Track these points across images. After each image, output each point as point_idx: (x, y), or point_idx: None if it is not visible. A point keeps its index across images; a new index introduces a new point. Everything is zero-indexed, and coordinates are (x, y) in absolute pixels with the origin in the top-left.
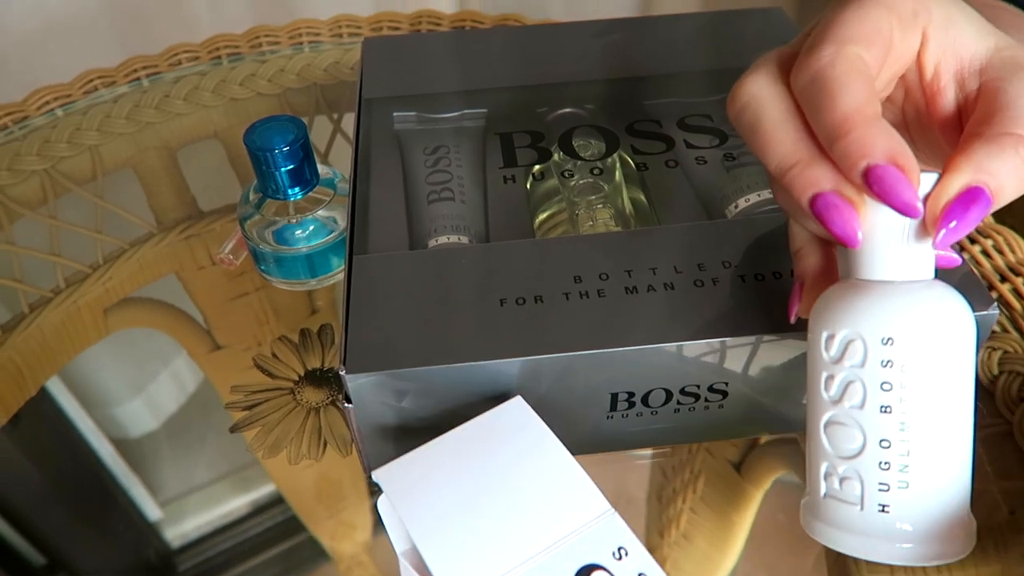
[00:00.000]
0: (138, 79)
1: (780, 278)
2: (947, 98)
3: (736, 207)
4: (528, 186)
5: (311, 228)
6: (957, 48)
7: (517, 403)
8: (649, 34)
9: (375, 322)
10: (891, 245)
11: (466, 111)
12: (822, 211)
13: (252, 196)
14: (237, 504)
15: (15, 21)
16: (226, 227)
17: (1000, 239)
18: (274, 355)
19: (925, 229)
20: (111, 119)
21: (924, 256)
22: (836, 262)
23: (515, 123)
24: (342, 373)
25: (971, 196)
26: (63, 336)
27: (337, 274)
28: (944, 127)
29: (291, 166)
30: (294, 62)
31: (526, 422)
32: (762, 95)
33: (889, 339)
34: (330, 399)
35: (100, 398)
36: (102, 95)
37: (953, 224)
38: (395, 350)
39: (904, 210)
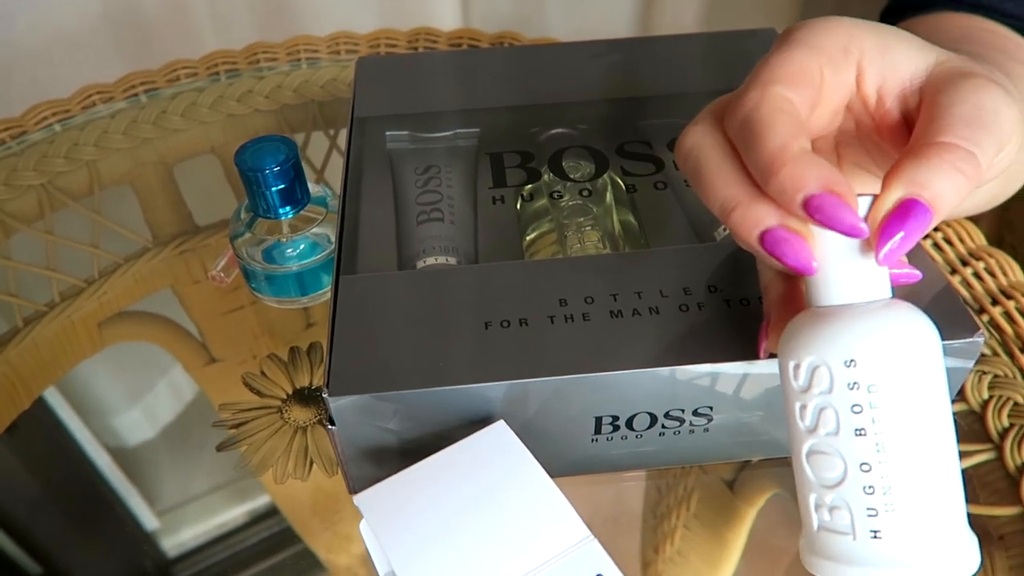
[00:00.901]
0: (136, 95)
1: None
2: (895, 120)
3: (724, 230)
4: (518, 206)
5: (302, 247)
6: (897, 71)
7: (499, 427)
8: (643, 55)
9: (360, 344)
10: (841, 269)
11: (459, 131)
12: (772, 247)
13: (243, 215)
14: (233, 515)
15: (20, 34)
16: (221, 242)
17: (992, 262)
18: (263, 373)
19: (870, 248)
20: (108, 135)
21: (878, 276)
22: (802, 295)
23: (507, 143)
24: (325, 395)
25: (906, 209)
26: (58, 349)
27: (328, 292)
28: (900, 149)
29: (281, 186)
30: (291, 79)
31: (508, 447)
32: (702, 143)
33: (851, 361)
34: (317, 418)
35: (97, 408)
36: (100, 111)
37: (898, 237)
38: (379, 373)
39: (849, 232)
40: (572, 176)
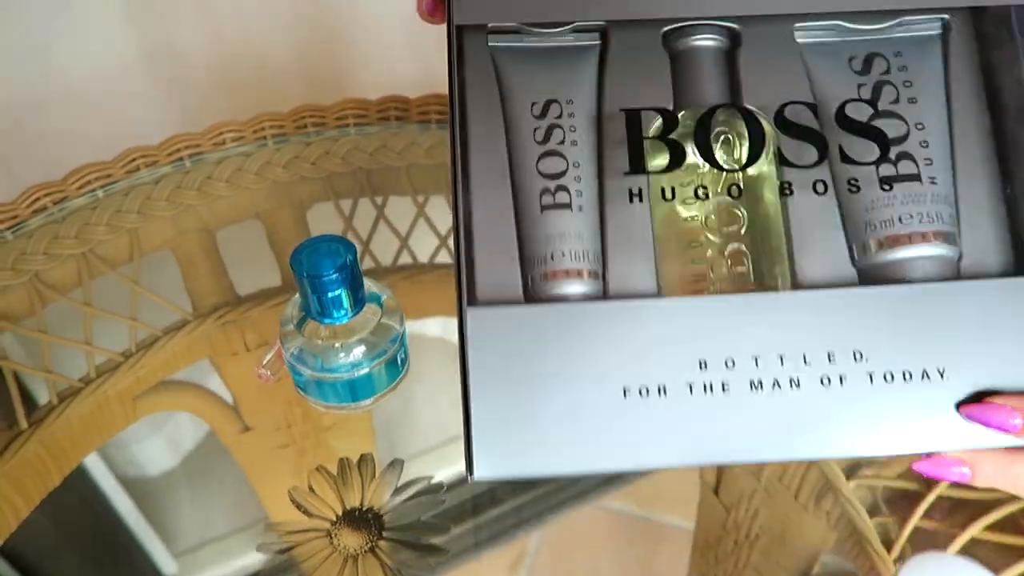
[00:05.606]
0: (181, 159)
1: (928, 379)
2: None
3: (884, 250)
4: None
5: (355, 352)
6: None
7: None
8: None
9: (498, 411)
10: None
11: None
12: None
13: (294, 313)
14: (252, 561)
15: (56, 68)
16: (263, 315)
17: None
18: (311, 488)
19: None
20: (152, 201)
21: None
22: None
23: (639, 65)
24: (470, 479)
25: None
26: (91, 425)
27: (379, 398)
28: None
29: (338, 291)
30: (339, 145)
31: None
32: None
33: None
34: (369, 545)
35: (116, 442)
36: (143, 176)
37: None
38: (522, 449)
39: None
40: (722, 159)
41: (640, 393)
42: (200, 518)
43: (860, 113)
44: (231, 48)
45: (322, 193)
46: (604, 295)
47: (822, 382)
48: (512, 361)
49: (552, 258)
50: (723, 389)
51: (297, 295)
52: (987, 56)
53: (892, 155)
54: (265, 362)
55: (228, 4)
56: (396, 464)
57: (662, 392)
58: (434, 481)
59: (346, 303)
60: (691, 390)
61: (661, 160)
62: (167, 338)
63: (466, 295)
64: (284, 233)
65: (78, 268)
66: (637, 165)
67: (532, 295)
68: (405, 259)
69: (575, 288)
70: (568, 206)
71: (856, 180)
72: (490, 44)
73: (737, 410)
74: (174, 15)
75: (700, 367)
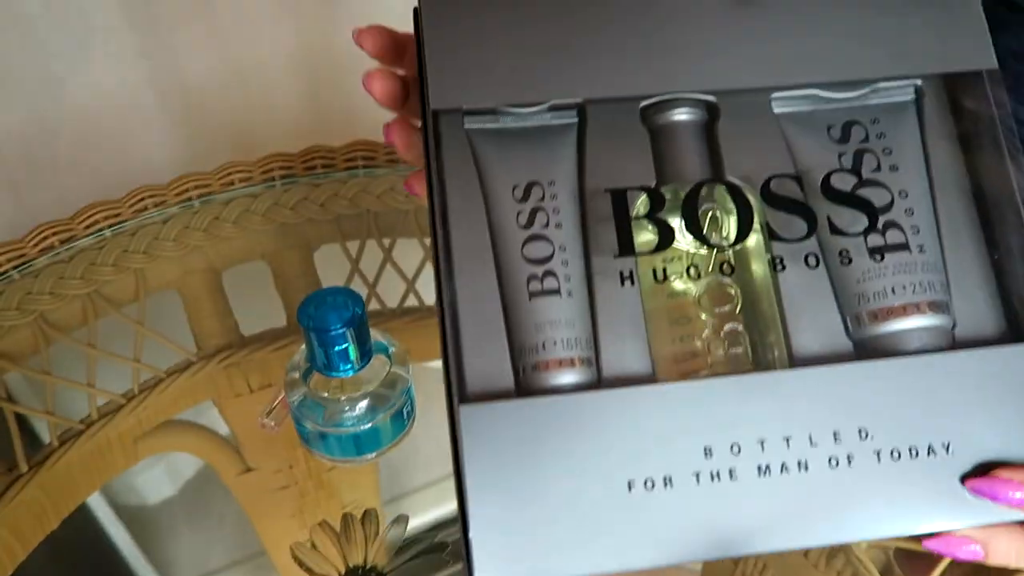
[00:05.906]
0: (189, 199)
1: (934, 454)
2: None
3: (878, 322)
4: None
5: (360, 405)
6: None
7: None
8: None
9: (497, 512)
10: None
11: (554, 110)
12: None
13: (300, 363)
14: None
15: (70, 96)
16: (267, 358)
17: None
18: (313, 545)
19: None
20: (159, 241)
21: None
22: None
23: (616, 128)
24: None
25: None
26: (91, 468)
27: (384, 452)
28: None
29: (345, 345)
30: (348, 187)
31: None
32: None
33: None
34: None
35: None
36: (152, 215)
37: None
38: (527, 551)
39: None
40: (712, 237)
41: (645, 486)
42: (198, 550)
43: (845, 183)
44: (242, 84)
45: (329, 235)
46: (598, 381)
47: (830, 463)
48: (509, 460)
49: (544, 347)
50: (731, 476)
51: (304, 348)
52: (962, 119)
53: (880, 225)
54: (269, 412)
55: (240, 40)
56: (401, 520)
57: (668, 484)
58: (438, 539)
59: (352, 356)
60: (698, 479)
61: (649, 238)
62: (170, 379)
63: (456, 391)
64: (291, 274)
65: (83, 308)
66: (626, 247)
67: (524, 386)
68: (411, 302)
69: (568, 378)
70: (557, 292)
71: (847, 251)
72: (466, 126)
73: (747, 498)
74: (187, 51)
75: (705, 455)
